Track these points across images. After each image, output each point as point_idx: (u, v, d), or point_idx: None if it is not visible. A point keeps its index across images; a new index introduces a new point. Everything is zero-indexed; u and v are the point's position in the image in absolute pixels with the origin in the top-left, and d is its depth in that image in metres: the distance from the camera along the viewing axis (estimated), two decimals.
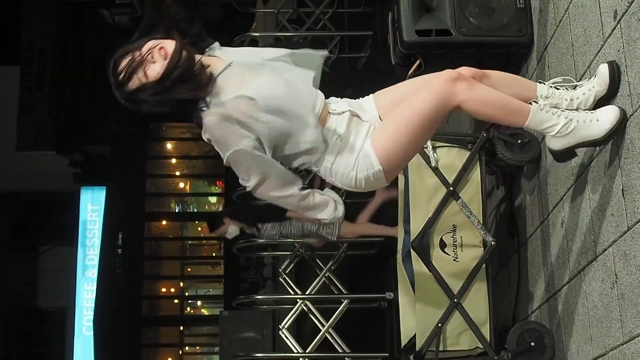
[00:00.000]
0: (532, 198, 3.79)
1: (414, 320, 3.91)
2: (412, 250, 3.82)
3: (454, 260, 3.82)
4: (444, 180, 3.80)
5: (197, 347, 20.29)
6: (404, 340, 4.15)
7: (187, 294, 20.05)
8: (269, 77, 2.69)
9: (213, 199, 18.78)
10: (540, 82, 2.93)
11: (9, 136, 14.47)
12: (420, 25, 3.85)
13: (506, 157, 3.73)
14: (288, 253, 7.15)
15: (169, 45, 2.65)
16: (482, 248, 3.81)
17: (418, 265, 3.82)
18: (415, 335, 3.88)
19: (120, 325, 15.69)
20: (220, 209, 17.89)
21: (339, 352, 6.51)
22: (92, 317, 15.18)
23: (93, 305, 15.14)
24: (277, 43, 9.62)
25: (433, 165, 3.79)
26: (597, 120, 2.74)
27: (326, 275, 6.80)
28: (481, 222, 3.73)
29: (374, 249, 7.28)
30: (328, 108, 2.80)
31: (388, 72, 6.89)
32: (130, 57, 2.67)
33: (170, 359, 19.40)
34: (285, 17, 8.45)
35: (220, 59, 2.74)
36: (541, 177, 3.67)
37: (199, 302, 20.31)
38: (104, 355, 14.95)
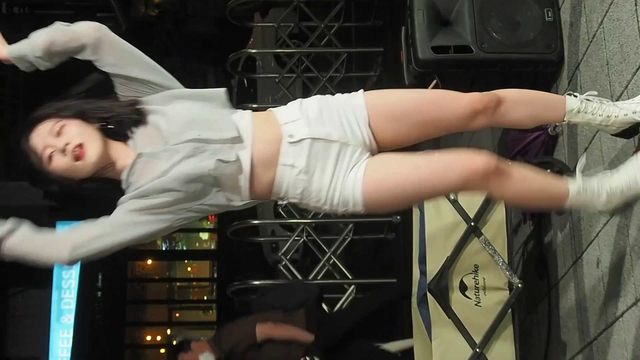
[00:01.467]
0: (564, 235, 3.79)
1: None
2: (428, 294, 3.81)
3: (475, 304, 3.81)
4: (464, 215, 3.80)
5: None
6: None
7: (174, 342, 19.98)
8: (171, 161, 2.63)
9: (204, 235, 18.78)
10: (569, 94, 2.87)
11: None
12: (437, 41, 3.86)
13: None
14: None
15: (90, 150, 2.62)
16: (508, 291, 3.80)
17: (435, 310, 3.81)
18: None
19: None
20: (212, 247, 17.87)
21: None
22: None
23: (69, 355, 15.08)
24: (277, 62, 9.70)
25: (452, 197, 3.80)
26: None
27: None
28: (506, 261, 3.72)
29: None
30: (280, 134, 2.67)
31: None
32: (50, 125, 2.65)
33: None
34: (286, 32, 8.49)
35: (129, 148, 2.69)
36: (573, 211, 3.66)
37: None
38: None
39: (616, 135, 2.86)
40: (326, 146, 2.65)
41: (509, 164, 2.67)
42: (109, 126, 2.68)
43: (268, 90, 9.91)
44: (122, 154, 2.68)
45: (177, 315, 20.16)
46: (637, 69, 2.92)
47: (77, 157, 2.61)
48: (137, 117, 2.68)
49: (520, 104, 2.80)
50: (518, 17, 3.86)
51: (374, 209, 2.71)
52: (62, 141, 2.61)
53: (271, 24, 9.05)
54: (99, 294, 16.59)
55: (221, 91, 2.76)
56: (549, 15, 3.82)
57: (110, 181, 2.70)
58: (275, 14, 9.35)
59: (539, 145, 3.89)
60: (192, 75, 14.76)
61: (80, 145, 2.61)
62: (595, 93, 2.87)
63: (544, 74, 3.88)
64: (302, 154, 2.63)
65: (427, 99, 2.77)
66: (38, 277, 16.06)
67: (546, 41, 3.82)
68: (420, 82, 3.90)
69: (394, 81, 7.66)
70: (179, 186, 2.55)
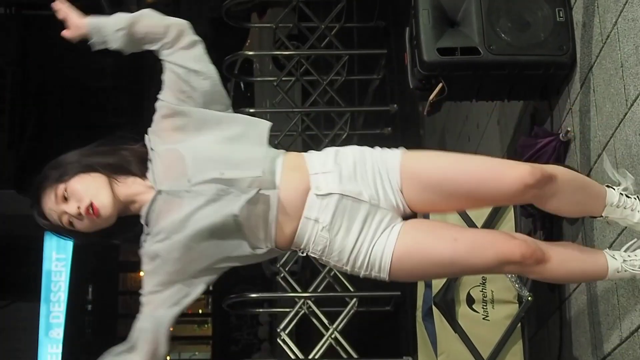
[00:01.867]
0: None
1: None
2: (434, 307, 3.81)
3: (483, 318, 3.81)
4: (471, 224, 3.79)
5: None
6: None
7: (168, 358, 19.99)
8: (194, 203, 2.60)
9: None
10: (608, 187, 2.85)
11: None
12: (443, 43, 3.85)
13: None
14: (288, 310, 7.12)
15: (101, 202, 2.60)
16: (517, 304, 3.79)
17: (441, 324, 3.80)
18: None
19: None
20: None
21: None
22: None
23: None
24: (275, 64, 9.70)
25: None
26: None
27: (333, 335, 6.77)
28: (515, 274, 3.71)
29: (389, 305, 7.28)
30: (308, 178, 2.64)
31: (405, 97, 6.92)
32: (53, 195, 2.63)
33: None
34: (285, 33, 8.49)
35: (146, 182, 2.66)
36: (586, 220, 3.65)
37: None
38: None
39: None
40: (355, 205, 2.61)
41: (547, 248, 2.68)
42: (115, 172, 2.67)
43: (266, 94, 9.93)
44: (139, 189, 2.66)
45: (171, 329, 20.17)
46: None
47: (93, 217, 2.60)
48: (145, 157, 2.68)
49: (569, 186, 2.75)
50: (528, 17, 3.85)
51: (399, 278, 2.69)
52: (73, 206, 2.60)
53: (269, 25, 9.05)
54: (90, 307, 16.59)
55: (265, 126, 2.72)
56: (561, 15, 3.81)
57: (136, 222, 2.67)
58: (273, 14, 9.36)
59: (550, 152, 3.88)
60: None
61: (91, 205, 2.59)
62: (632, 179, 2.87)
63: (556, 77, 3.87)
64: (329, 209, 2.60)
65: (471, 174, 2.67)
66: (26, 289, 16.06)
67: (558, 42, 3.81)
68: (426, 85, 3.89)
69: (397, 85, 7.67)
70: (196, 242, 2.54)
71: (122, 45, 2.69)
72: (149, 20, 2.70)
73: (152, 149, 2.66)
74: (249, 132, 2.68)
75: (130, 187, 2.65)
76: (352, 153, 2.70)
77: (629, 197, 2.83)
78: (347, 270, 2.67)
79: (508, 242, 2.64)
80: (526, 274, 2.75)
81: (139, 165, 2.68)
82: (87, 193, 2.60)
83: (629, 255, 2.75)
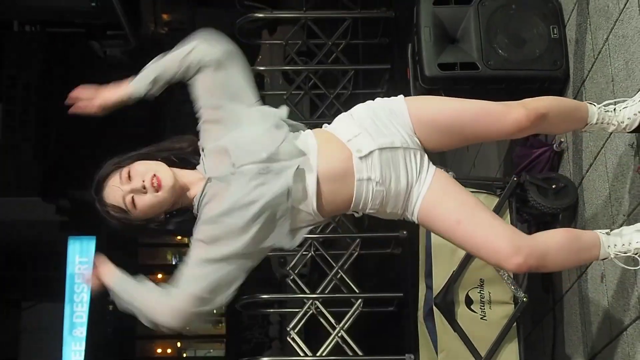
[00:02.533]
0: None
1: None
2: (434, 308, 3.80)
3: (481, 318, 3.80)
4: None
5: None
6: None
7: (185, 355, 19.96)
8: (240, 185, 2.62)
9: None
10: (591, 104, 2.91)
11: None
12: (444, 58, 3.86)
13: (539, 203, 3.71)
14: (297, 310, 7.12)
15: (163, 175, 2.63)
16: (513, 305, 3.78)
17: (441, 324, 3.80)
18: None
19: None
20: None
21: None
22: None
23: None
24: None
25: None
26: None
27: (339, 334, 6.76)
28: (511, 276, 3.71)
29: (392, 305, 7.27)
30: (350, 149, 2.68)
31: None
32: (117, 177, 2.64)
33: None
34: (294, 49, 8.49)
35: (199, 173, 2.69)
36: (578, 226, 3.65)
37: None
38: None
39: (631, 131, 2.92)
40: (393, 154, 2.67)
41: (543, 258, 2.67)
42: (173, 162, 2.70)
43: (276, 107, 9.93)
44: (193, 179, 2.67)
45: (187, 328, 20.14)
46: None
47: (157, 188, 2.59)
48: (195, 150, 2.71)
49: (558, 118, 2.84)
50: (524, 34, 3.85)
51: (422, 224, 2.78)
52: (138, 181, 2.60)
53: (279, 42, 9.06)
54: (111, 307, 16.57)
55: (283, 111, 2.78)
56: (555, 32, 3.81)
57: (188, 211, 2.68)
58: (283, 31, 9.37)
59: (545, 162, 3.88)
60: None
61: (154, 176, 2.60)
62: (611, 102, 2.91)
63: (550, 90, 3.86)
64: (375, 166, 2.65)
65: (472, 114, 2.76)
66: (51, 291, 16.08)
67: (552, 58, 3.81)
68: None
69: None
70: (254, 221, 2.55)
71: (158, 92, 2.77)
72: (170, 71, 2.74)
73: (202, 149, 2.69)
74: (276, 120, 2.72)
75: (186, 175, 2.68)
76: (365, 111, 2.76)
77: (607, 111, 2.89)
78: (400, 215, 2.74)
79: (507, 247, 2.63)
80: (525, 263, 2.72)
81: (194, 159, 2.72)
82: (150, 169, 2.62)
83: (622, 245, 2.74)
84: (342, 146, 2.67)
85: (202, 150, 2.70)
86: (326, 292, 7.12)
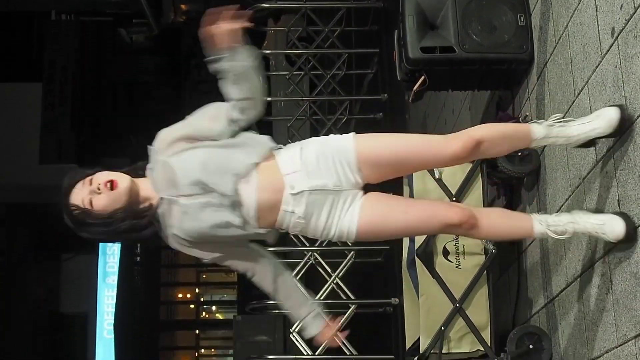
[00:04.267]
0: (532, 208, 3.78)
1: (418, 324, 3.90)
2: (416, 258, 3.81)
3: (456, 267, 3.81)
4: (447, 191, 3.79)
5: (212, 350, 20.29)
6: (408, 343, 4.14)
7: (202, 299, 20.06)
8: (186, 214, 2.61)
9: None
10: (533, 122, 2.79)
11: (33, 150, 14.52)
12: (425, 43, 3.84)
13: (507, 169, 3.71)
14: (298, 261, 7.14)
15: (120, 179, 2.60)
16: (484, 256, 3.80)
17: (422, 272, 3.81)
18: (419, 338, 3.87)
19: (139, 329, 15.69)
20: None
21: (347, 355, 6.48)
22: (112, 322, 15.19)
23: (113, 310, 15.15)
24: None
25: (437, 176, 3.78)
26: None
27: (334, 281, 6.78)
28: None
29: (380, 256, 7.29)
30: (283, 184, 2.61)
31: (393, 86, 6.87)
32: (81, 184, 2.62)
33: None
34: (296, 35, 8.44)
35: (149, 183, 2.65)
36: (540, 188, 3.65)
37: (213, 307, 20.32)
38: (124, 357, 14.96)
39: (577, 147, 2.85)
40: (322, 196, 2.61)
41: (480, 215, 2.68)
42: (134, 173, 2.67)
43: (280, 86, 9.87)
44: (145, 187, 2.64)
45: (204, 276, 20.20)
46: (597, 66, 2.90)
47: (112, 188, 2.56)
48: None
49: (495, 142, 2.73)
50: (495, 21, 3.83)
51: (365, 239, 2.74)
52: (95, 185, 2.58)
53: (282, 29, 9.00)
54: (138, 259, 16.63)
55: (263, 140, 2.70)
56: (522, 20, 3.79)
57: (141, 211, 2.64)
58: (286, 19, 9.30)
59: None
60: (215, 74, 14.69)
61: (110, 181, 2.57)
62: (560, 115, 2.79)
63: (517, 71, 3.86)
64: (302, 203, 2.60)
65: (413, 151, 2.67)
66: (86, 245, 16.11)
67: (519, 42, 3.79)
68: (411, 78, 3.88)
69: (387, 78, 7.64)
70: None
71: (232, 74, 2.65)
72: (256, 86, 2.69)
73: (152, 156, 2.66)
74: (242, 145, 2.66)
75: (140, 183, 2.64)
76: (314, 149, 2.66)
77: (552, 126, 2.74)
78: (322, 239, 2.74)
79: (448, 210, 2.67)
80: (465, 235, 2.76)
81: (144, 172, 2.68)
82: (110, 175, 2.60)
83: (554, 221, 2.70)
84: (279, 178, 2.62)
85: (155, 154, 2.65)
86: (323, 245, 7.12)
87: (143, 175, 2.66)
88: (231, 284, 18.40)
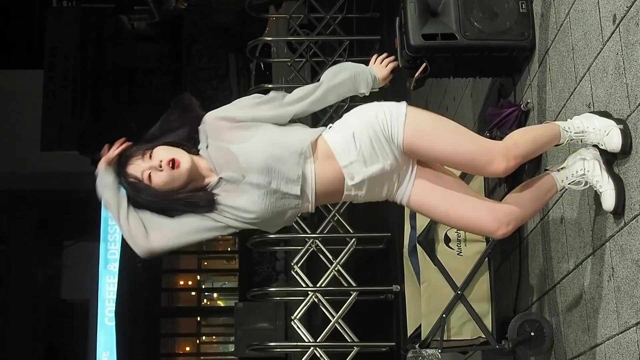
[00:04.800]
0: None
1: (419, 311, 3.91)
2: (418, 245, 3.82)
3: (457, 254, 3.82)
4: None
5: (214, 337, 20.34)
6: (410, 330, 4.15)
7: (203, 286, 20.09)
8: (249, 198, 2.61)
9: None
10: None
11: (34, 137, 14.53)
12: (426, 30, 3.83)
13: None
14: (300, 248, 7.15)
15: (182, 159, 2.60)
16: (485, 243, 3.80)
17: (424, 259, 3.82)
18: (420, 325, 3.88)
19: (140, 316, 15.74)
20: None
21: (348, 342, 6.50)
22: (113, 309, 15.23)
23: (115, 297, 15.18)
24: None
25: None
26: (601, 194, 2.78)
27: (336, 268, 6.80)
28: None
29: (382, 243, 7.30)
30: (339, 169, 2.64)
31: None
32: (140, 157, 2.63)
33: (188, 348, 19.45)
34: (297, 22, 8.43)
35: (206, 163, 2.64)
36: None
37: (215, 294, 20.35)
38: (125, 344, 15.00)
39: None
40: (380, 176, 2.66)
41: (517, 215, 2.74)
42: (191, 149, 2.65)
43: (281, 73, 9.87)
44: (204, 167, 2.63)
45: (205, 263, 20.23)
46: (598, 54, 2.90)
47: (173, 168, 2.57)
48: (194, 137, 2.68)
49: (533, 154, 2.83)
50: (496, 8, 3.82)
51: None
52: (156, 161, 2.59)
53: (284, 15, 8.98)
54: None
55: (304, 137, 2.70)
56: (523, 7, 3.79)
57: (198, 188, 2.64)
58: (288, 6, 9.28)
59: (513, 119, 3.87)
60: (215, 59, 14.71)
61: (172, 160, 2.58)
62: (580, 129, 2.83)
63: (518, 58, 3.85)
64: (363, 187, 2.66)
65: (457, 160, 2.70)
66: (88, 232, 16.12)
67: (520, 30, 3.78)
68: (412, 65, 3.87)
69: None
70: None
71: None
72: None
73: (207, 138, 2.64)
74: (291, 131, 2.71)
75: (199, 162, 2.64)
76: (367, 132, 2.64)
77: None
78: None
79: (488, 221, 2.71)
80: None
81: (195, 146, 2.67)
82: (171, 153, 2.60)
83: (571, 175, 2.82)
84: (337, 169, 2.63)
85: (206, 139, 2.64)
86: (325, 232, 7.14)
87: (197, 153, 2.65)
88: (232, 271, 18.42)
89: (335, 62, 7.98)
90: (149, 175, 2.59)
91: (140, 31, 15.42)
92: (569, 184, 2.82)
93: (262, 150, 2.58)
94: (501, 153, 2.66)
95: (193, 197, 2.60)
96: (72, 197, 16.98)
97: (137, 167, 2.62)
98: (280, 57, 10.05)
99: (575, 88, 3.15)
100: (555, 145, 2.87)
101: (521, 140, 2.74)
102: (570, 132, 2.80)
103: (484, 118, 4.28)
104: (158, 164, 2.58)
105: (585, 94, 3.04)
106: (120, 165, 2.65)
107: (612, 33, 2.76)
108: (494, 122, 3.93)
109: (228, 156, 2.60)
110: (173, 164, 2.58)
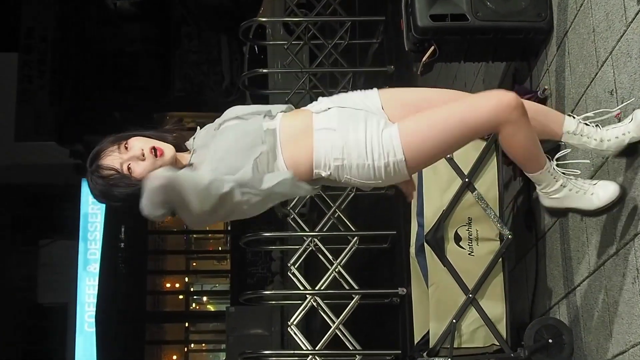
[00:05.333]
0: None
1: (427, 316, 3.91)
2: (425, 244, 3.82)
3: (469, 254, 3.82)
4: (459, 171, 3.80)
5: (203, 345, 20.38)
6: (417, 337, 4.16)
7: (192, 289, 20.14)
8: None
9: None
10: (569, 115, 2.90)
11: (8, 126, 14.54)
12: (435, 10, 3.83)
13: None
14: (297, 247, 7.17)
15: (165, 147, 2.69)
16: (499, 242, 3.81)
17: (432, 259, 3.82)
18: (428, 331, 3.89)
19: (123, 321, 15.76)
20: None
21: (350, 350, 6.52)
22: (94, 313, 15.26)
23: (95, 300, 15.22)
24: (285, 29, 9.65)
25: (448, 155, 3.79)
26: (592, 195, 2.82)
27: (337, 269, 6.81)
28: (498, 214, 3.73)
29: (386, 242, 7.31)
30: (310, 112, 2.76)
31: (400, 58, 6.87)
32: (115, 149, 2.68)
33: (176, 356, 19.49)
34: (294, 2, 8.44)
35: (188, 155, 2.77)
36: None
37: (204, 298, 20.40)
38: (107, 352, 15.04)
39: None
40: (354, 112, 2.70)
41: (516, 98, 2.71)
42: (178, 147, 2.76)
43: (277, 57, 9.88)
44: (185, 156, 2.75)
45: (194, 264, 20.28)
46: (622, 36, 2.90)
47: (156, 156, 2.64)
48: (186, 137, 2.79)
49: (530, 110, 2.77)
50: None
51: (416, 157, 2.68)
52: (137, 150, 2.65)
53: None
54: (122, 244, 16.67)
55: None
56: None
57: None
58: None
59: None
60: (206, 42, 14.70)
61: (154, 148, 2.65)
62: (592, 115, 2.88)
63: (534, 41, 3.86)
64: (333, 117, 2.69)
65: (464, 132, 2.71)
66: (66, 229, 16.15)
67: (536, 10, 3.78)
68: (419, 48, 3.88)
69: (394, 48, 7.63)
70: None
71: None
72: None
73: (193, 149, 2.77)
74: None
75: (183, 156, 2.74)
76: (343, 95, 2.82)
77: (587, 124, 2.87)
78: (371, 175, 2.68)
79: (487, 102, 2.68)
80: (510, 126, 2.68)
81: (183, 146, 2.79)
82: (149, 142, 2.67)
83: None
84: (307, 113, 2.76)
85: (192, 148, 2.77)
86: (324, 230, 7.15)
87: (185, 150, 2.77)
88: (223, 272, 18.47)
89: (336, 45, 8.00)
90: (129, 167, 2.64)
91: (123, 11, 15.41)
92: (577, 130, 2.83)
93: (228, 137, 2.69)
94: (493, 94, 2.72)
95: None
96: (49, 192, 17.01)
97: (114, 159, 2.65)
98: (276, 40, 10.06)
99: (597, 73, 3.15)
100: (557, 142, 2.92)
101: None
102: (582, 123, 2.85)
103: None
104: (140, 153, 2.63)
105: (608, 80, 3.04)
106: (92, 160, 2.68)
107: (637, 14, 2.76)
108: None
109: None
110: (155, 152, 2.63)
